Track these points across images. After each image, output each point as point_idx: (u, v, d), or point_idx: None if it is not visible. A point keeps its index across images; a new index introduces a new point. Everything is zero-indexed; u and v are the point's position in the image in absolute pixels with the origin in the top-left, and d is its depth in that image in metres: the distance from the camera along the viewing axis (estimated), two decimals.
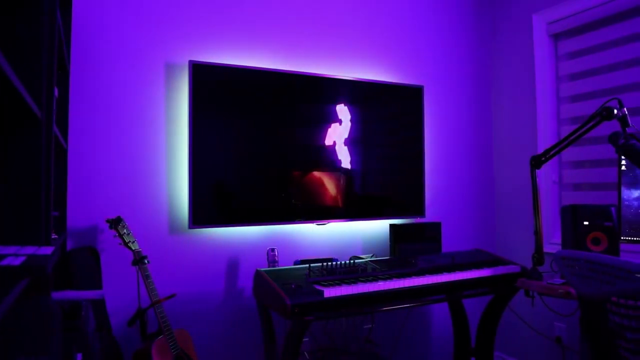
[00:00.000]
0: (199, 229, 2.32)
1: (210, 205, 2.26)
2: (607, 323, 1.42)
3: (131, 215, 2.20)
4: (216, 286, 2.38)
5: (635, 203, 2.08)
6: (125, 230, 2.02)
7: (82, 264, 2.00)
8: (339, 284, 1.95)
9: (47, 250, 0.92)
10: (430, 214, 2.99)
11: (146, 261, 2.01)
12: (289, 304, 1.77)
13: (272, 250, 2.32)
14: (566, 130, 2.86)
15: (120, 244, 2.01)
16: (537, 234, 2.22)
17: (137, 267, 2.02)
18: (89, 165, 2.14)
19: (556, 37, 2.90)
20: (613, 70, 2.61)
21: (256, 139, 2.38)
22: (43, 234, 1.09)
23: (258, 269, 2.13)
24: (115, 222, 2.01)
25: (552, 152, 2.21)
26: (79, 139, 2.12)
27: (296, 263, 2.37)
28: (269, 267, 2.28)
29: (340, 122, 2.58)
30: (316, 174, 2.52)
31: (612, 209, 2.15)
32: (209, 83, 2.27)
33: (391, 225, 2.58)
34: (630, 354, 1.37)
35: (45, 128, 1.13)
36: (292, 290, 1.85)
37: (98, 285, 2.03)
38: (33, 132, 1.07)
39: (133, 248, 2.01)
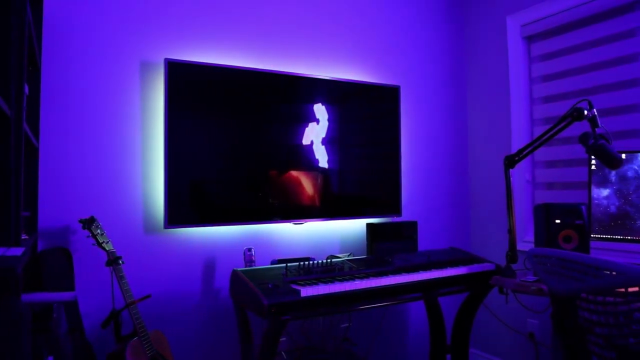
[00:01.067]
0: (175, 229, 2.30)
1: (186, 205, 2.24)
2: (577, 319, 1.45)
3: (105, 215, 2.16)
4: (192, 286, 2.35)
5: (605, 202, 2.14)
6: (99, 231, 1.98)
7: (54, 265, 1.96)
8: (316, 284, 1.95)
9: (17, 251, 0.90)
10: (407, 213, 3.02)
11: (121, 262, 1.98)
12: (266, 304, 1.76)
13: (249, 250, 2.31)
14: (539, 130, 2.92)
15: (94, 244, 1.98)
16: (511, 232, 2.26)
17: (111, 267, 1.98)
18: (61, 164, 2.10)
19: (529, 39, 2.96)
20: (584, 72, 2.67)
21: (233, 138, 2.36)
22: (13, 235, 1.07)
23: (235, 269, 2.12)
24: (89, 222, 1.97)
25: (525, 152, 2.25)
26: (51, 137, 2.08)
27: (273, 263, 2.37)
28: (245, 267, 2.27)
29: (317, 121, 2.58)
30: (293, 173, 2.52)
31: (583, 207, 2.20)
32: (186, 81, 2.24)
33: (368, 225, 2.60)
34: (599, 348, 1.41)
35: (15, 126, 1.11)
36: (269, 290, 1.85)
37: (70, 287, 1.99)
38: (2, 131, 1.05)
39: (107, 248, 1.98)
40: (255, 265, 2.30)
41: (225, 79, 2.34)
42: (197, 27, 2.40)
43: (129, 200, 2.22)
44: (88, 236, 1.99)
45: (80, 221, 1.98)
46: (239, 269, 2.11)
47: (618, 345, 1.34)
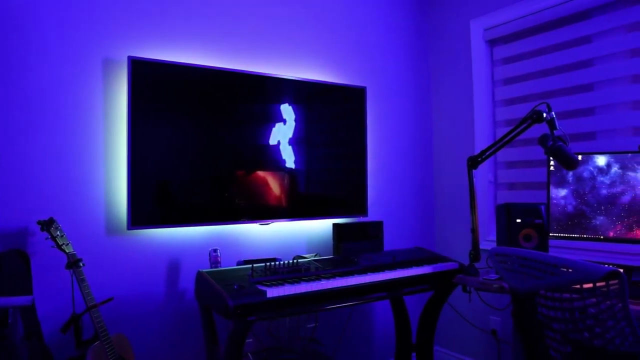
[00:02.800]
0: (138, 230, 2.25)
1: (150, 206, 2.20)
2: (536, 315, 1.49)
3: (66, 217, 2.10)
4: (157, 289, 2.31)
5: (562, 201, 2.21)
6: (58, 232, 1.92)
7: (10, 268, 1.89)
8: (282, 284, 1.95)
9: None
10: (373, 213, 3.04)
11: (81, 264, 1.93)
12: (232, 305, 1.75)
13: (215, 250, 2.29)
14: (501, 132, 2.99)
15: (53, 246, 1.92)
16: (474, 231, 2.30)
17: (71, 270, 1.93)
18: (18, 164, 2.02)
19: (492, 43, 3.03)
20: (543, 76, 2.76)
21: (199, 137, 2.33)
22: None
23: (200, 270, 2.09)
24: (48, 224, 1.91)
25: (487, 153, 2.30)
26: (7, 137, 2.00)
27: (239, 263, 2.35)
28: (211, 268, 2.25)
29: (284, 121, 2.57)
30: (260, 173, 2.50)
31: (542, 207, 2.27)
32: (150, 80, 2.20)
33: (334, 225, 2.61)
34: (556, 343, 1.45)
35: None
36: (234, 291, 1.83)
37: (28, 291, 1.92)
38: None
39: (67, 251, 1.92)
40: (221, 267, 2.28)
41: (191, 78, 2.31)
42: (163, 25, 2.36)
43: (91, 201, 2.17)
44: (47, 238, 1.93)
45: (39, 222, 1.92)
46: (204, 270, 2.09)
47: (573, 339, 1.39)
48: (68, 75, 2.13)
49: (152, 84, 2.21)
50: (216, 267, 2.26)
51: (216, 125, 2.38)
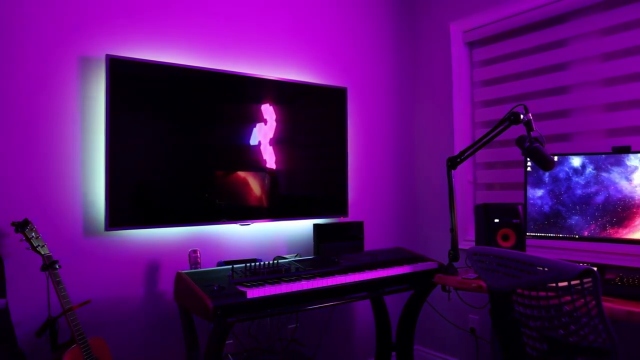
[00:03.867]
0: (116, 231, 2.23)
1: (129, 206, 2.17)
2: (513, 313, 1.52)
3: (41, 218, 2.06)
4: (135, 291, 2.28)
5: (539, 201, 2.25)
6: (33, 234, 1.89)
7: None
8: (262, 285, 1.94)
9: None
10: (354, 214, 3.06)
11: (57, 266, 1.90)
12: (211, 306, 1.74)
13: (194, 251, 2.27)
14: (480, 133, 3.03)
15: (28, 248, 1.88)
16: (453, 231, 2.33)
17: (47, 272, 1.89)
18: None
19: (471, 45, 3.07)
20: (520, 79, 2.80)
21: (179, 137, 2.31)
22: None
23: (179, 271, 2.07)
24: (22, 225, 1.87)
25: (466, 154, 2.33)
26: None
27: (219, 264, 2.33)
28: (191, 269, 2.23)
29: (265, 121, 2.57)
30: (241, 173, 2.49)
31: (519, 207, 2.31)
32: (129, 79, 2.18)
33: (315, 225, 2.61)
34: (532, 340, 1.48)
35: None
36: (214, 292, 1.82)
37: (1, 294, 1.88)
38: None
39: (42, 252, 1.89)
40: (200, 268, 2.26)
41: (171, 78, 2.29)
42: (143, 23, 2.33)
43: (67, 202, 2.13)
44: (22, 240, 1.89)
45: (13, 224, 1.88)
46: (183, 271, 2.07)
47: (549, 337, 1.41)
48: (42, 73, 2.09)
49: (131, 83, 2.18)
50: (196, 268, 2.24)
51: (196, 125, 2.36)
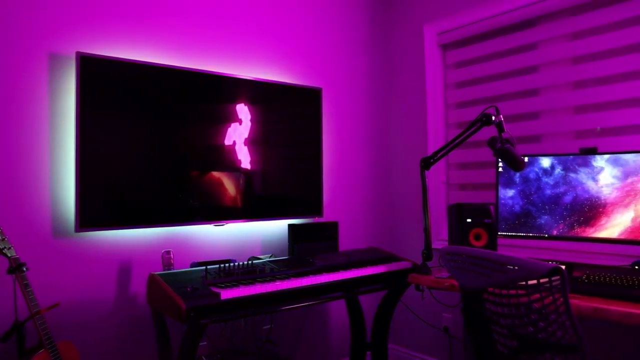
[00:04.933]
0: (87, 232, 2.18)
1: (100, 207, 2.13)
2: (484, 311, 1.55)
3: (7, 219, 2.01)
4: (106, 293, 2.24)
5: (510, 201, 2.30)
6: None
7: None
8: (236, 285, 1.93)
9: None
10: (328, 214, 3.06)
11: (25, 269, 1.85)
12: (185, 308, 1.72)
13: (167, 252, 2.24)
14: (453, 134, 3.08)
15: None
16: (427, 231, 2.36)
17: (13, 275, 1.84)
18: None
19: (444, 47, 3.11)
20: (492, 81, 2.86)
21: (152, 137, 2.28)
22: None
23: (152, 272, 2.04)
24: None
25: (439, 155, 2.36)
26: None
27: (193, 265, 2.31)
28: (164, 270, 2.20)
29: (240, 121, 2.55)
30: (215, 174, 2.47)
31: (491, 207, 2.35)
32: (100, 77, 2.13)
33: (290, 225, 2.61)
34: (503, 338, 1.51)
35: None
36: (187, 294, 1.80)
37: None
38: None
39: (9, 255, 1.84)
40: (174, 269, 2.23)
41: (145, 76, 2.25)
42: (115, 21, 2.29)
43: (36, 203, 2.08)
44: None
45: None
46: (156, 272, 2.04)
47: (519, 334, 1.44)
48: (9, 70, 2.04)
49: (102, 81, 2.14)
50: (169, 269, 2.22)
51: (170, 125, 2.33)
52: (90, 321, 2.19)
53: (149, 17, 2.40)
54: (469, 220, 2.34)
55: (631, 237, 1.99)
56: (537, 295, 1.37)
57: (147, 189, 2.26)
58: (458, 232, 2.35)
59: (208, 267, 2.13)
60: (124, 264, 2.29)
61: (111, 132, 2.17)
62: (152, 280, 2.01)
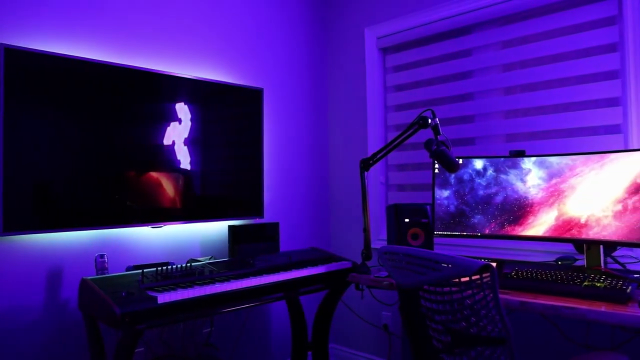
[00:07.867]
0: (12, 236, 2.05)
1: (28, 209, 2.01)
2: (420, 308, 1.60)
3: None
4: (34, 300, 2.12)
5: (445, 202, 2.38)
6: None
7: None
8: (174, 289, 1.89)
9: None
10: (269, 214, 3.05)
11: None
12: (118, 313, 1.66)
13: (101, 256, 2.15)
14: (392, 136, 3.15)
15: None
16: (366, 231, 2.40)
17: None
18: None
19: (384, 51, 3.18)
20: (429, 85, 2.95)
21: (85, 135, 2.18)
22: None
23: (84, 277, 1.96)
24: None
25: (379, 156, 2.41)
26: None
27: (129, 269, 2.23)
28: (97, 275, 2.11)
29: (180, 121, 2.49)
30: (153, 174, 2.40)
31: (428, 207, 2.42)
32: (28, 72, 2.02)
33: (230, 227, 2.58)
34: (437, 333, 1.56)
35: None
36: (122, 298, 1.74)
37: None
38: None
39: None
40: (108, 273, 2.15)
41: (78, 72, 2.15)
42: (47, 13, 2.17)
43: None
44: None
45: None
46: (89, 277, 1.96)
47: (453, 329, 1.50)
48: None
49: (31, 76, 2.03)
50: (103, 273, 2.13)
51: (106, 123, 2.24)
52: (15, 330, 2.07)
53: (85, 9, 2.29)
54: (406, 220, 2.41)
55: (555, 234, 2.12)
56: (469, 292, 1.43)
57: (81, 190, 2.16)
58: (396, 232, 2.41)
59: (145, 270, 2.07)
60: (54, 269, 2.18)
61: (40, 129, 2.06)
62: (84, 285, 1.92)
